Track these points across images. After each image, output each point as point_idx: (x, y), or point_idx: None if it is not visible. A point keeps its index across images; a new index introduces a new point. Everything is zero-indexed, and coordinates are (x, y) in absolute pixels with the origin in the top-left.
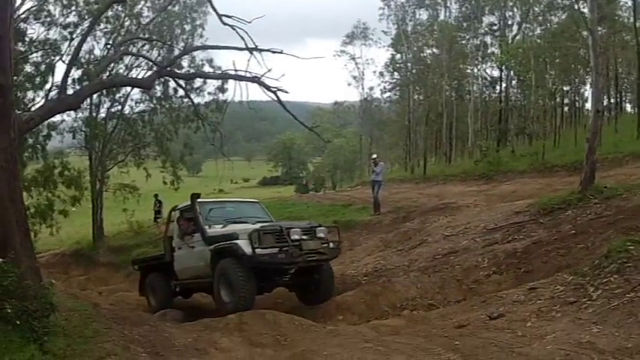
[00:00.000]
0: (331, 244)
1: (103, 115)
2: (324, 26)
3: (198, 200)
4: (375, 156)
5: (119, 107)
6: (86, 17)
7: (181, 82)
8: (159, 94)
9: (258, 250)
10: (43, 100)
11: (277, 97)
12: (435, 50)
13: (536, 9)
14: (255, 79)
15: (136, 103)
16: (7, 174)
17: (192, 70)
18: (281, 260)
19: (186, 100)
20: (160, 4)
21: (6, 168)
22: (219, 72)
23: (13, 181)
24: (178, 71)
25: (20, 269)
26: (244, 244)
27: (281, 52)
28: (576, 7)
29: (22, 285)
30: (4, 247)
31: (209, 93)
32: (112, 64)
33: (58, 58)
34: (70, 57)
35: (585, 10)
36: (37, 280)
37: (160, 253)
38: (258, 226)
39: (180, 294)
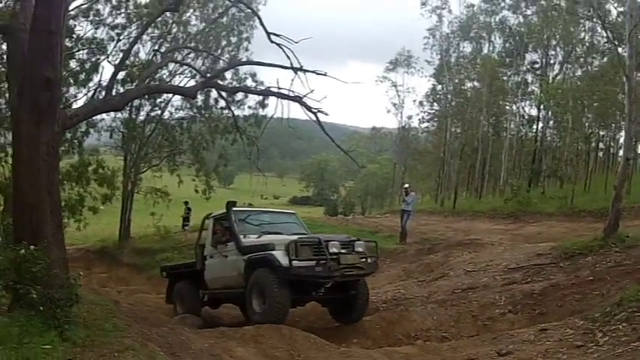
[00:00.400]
0: (369, 259)
1: (142, 117)
2: (366, 49)
3: (234, 208)
4: (407, 185)
5: (159, 112)
6: (134, 20)
7: (224, 94)
8: (199, 103)
9: (295, 262)
10: (85, 98)
11: (317, 118)
12: (475, 84)
13: (578, 49)
14: (297, 99)
15: (175, 109)
16: (48, 166)
17: (235, 82)
18: (318, 273)
19: (225, 111)
20: (209, 13)
21: (47, 160)
22: (262, 87)
23: (52, 173)
24: (222, 83)
25: (50, 259)
26: (281, 255)
27: (325, 75)
28: (616, 51)
29: (49, 274)
30: (37, 236)
31: (249, 107)
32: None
33: (103, 57)
34: (119, 59)
35: (625, 55)
36: (64, 271)
37: (191, 260)
38: (295, 237)
39: (208, 304)
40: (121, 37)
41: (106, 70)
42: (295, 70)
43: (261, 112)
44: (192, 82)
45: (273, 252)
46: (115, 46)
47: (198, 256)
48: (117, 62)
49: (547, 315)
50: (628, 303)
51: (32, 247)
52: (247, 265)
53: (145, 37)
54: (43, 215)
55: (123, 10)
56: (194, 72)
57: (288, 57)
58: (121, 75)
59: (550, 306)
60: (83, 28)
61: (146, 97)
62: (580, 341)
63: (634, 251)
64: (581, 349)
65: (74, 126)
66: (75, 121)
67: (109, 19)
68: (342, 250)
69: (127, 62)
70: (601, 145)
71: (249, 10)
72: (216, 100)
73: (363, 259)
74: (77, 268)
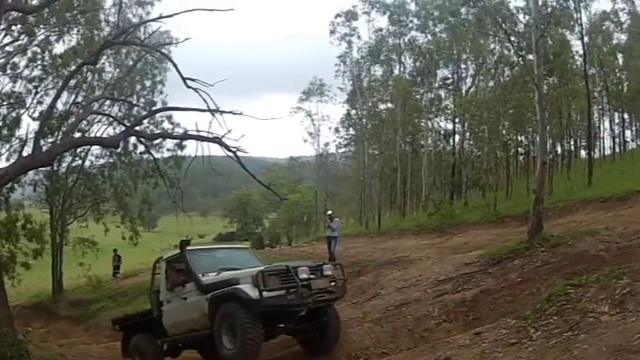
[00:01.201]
0: (338, 282)
1: (63, 169)
2: (280, 81)
3: (188, 248)
4: (330, 212)
5: (80, 162)
6: (50, 71)
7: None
8: (119, 150)
9: (265, 293)
10: (7, 153)
11: (237, 157)
12: (389, 105)
13: (489, 61)
14: (216, 140)
15: (96, 157)
16: None
17: (152, 126)
18: (291, 302)
19: (145, 155)
20: (122, 59)
21: None
22: (179, 129)
23: None
24: (142, 131)
25: None
26: (249, 288)
27: (241, 114)
28: (524, 61)
29: None
30: None
31: (168, 149)
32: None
33: (23, 111)
34: (39, 112)
35: (533, 64)
36: (11, 328)
37: (145, 309)
38: (256, 268)
39: (169, 353)
40: (39, 90)
41: (27, 124)
42: (212, 112)
43: (179, 153)
44: (110, 130)
45: (239, 286)
46: (32, 99)
47: (153, 302)
48: (37, 115)
49: (481, 319)
50: (557, 298)
51: None
52: (211, 303)
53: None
54: None
55: (39, 62)
56: (111, 119)
57: (204, 100)
58: (34, 126)
59: (483, 311)
60: (1, 83)
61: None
62: (514, 339)
63: (560, 249)
64: (516, 345)
65: (5, 185)
66: (6, 180)
67: (26, 72)
68: (312, 276)
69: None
70: (520, 150)
71: (155, 51)
72: (135, 145)
73: (333, 283)
74: (16, 325)
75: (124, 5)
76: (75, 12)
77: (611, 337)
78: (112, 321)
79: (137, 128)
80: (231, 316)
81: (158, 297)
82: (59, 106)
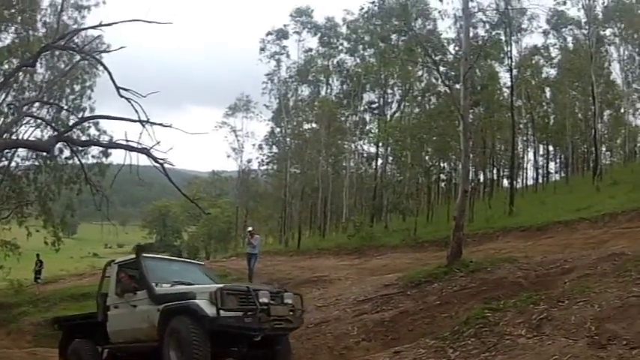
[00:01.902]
0: (297, 312)
1: None
2: (206, 94)
3: (144, 255)
4: (250, 229)
5: (6, 163)
6: None
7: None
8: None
9: (222, 312)
10: None
11: (164, 169)
12: (314, 125)
13: (416, 88)
14: (145, 151)
15: (22, 159)
16: None
17: (79, 132)
18: (248, 325)
19: (70, 161)
20: (55, 62)
21: None
22: (106, 136)
23: None
24: (69, 134)
25: None
26: (205, 305)
27: (170, 127)
28: (451, 92)
29: None
30: None
31: (93, 156)
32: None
33: None
34: None
35: (460, 95)
36: None
37: (90, 312)
38: (215, 285)
39: None
40: None
41: None
42: (142, 123)
43: (104, 160)
44: (37, 133)
45: (196, 301)
46: None
47: (99, 306)
48: None
49: (399, 339)
50: (475, 320)
51: None
52: (163, 315)
53: None
54: None
55: None
56: (39, 122)
57: (136, 111)
58: None
59: (402, 331)
60: None
61: None
62: (433, 358)
63: (478, 274)
64: None
65: None
66: None
67: None
68: (272, 301)
69: None
70: (443, 176)
71: (91, 58)
72: (61, 150)
73: (292, 312)
74: None
75: (60, 7)
76: (13, 10)
77: (527, 359)
78: (52, 319)
79: (72, 137)
80: (182, 331)
81: (105, 301)
82: None
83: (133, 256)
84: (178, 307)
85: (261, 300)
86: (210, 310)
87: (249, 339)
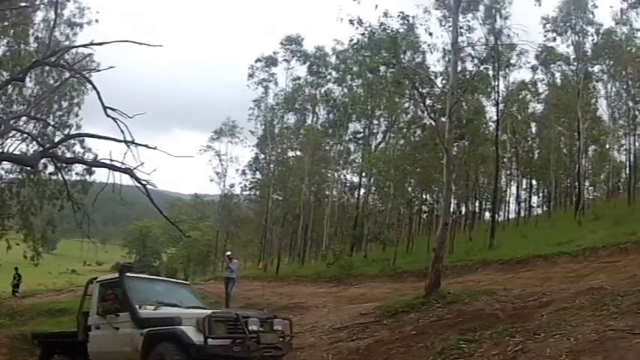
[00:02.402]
0: (286, 339)
1: None
2: (191, 116)
3: (127, 274)
4: (229, 253)
5: None
6: None
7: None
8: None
9: (210, 340)
10: None
11: (146, 190)
12: (298, 153)
13: (402, 120)
14: (128, 171)
15: (5, 172)
16: None
17: (64, 148)
18: (236, 354)
19: (53, 176)
20: (44, 77)
21: None
22: (90, 153)
23: None
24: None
25: None
26: (192, 332)
27: (155, 149)
28: (436, 125)
29: None
30: None
31: (77, 173)
32: None
33: None
34: None
35: (445, 128)
36: None
37: (70, 330)
38: (203, 311)
39: None
40: None
41: None
42: (127, 143)
43: (88, 178)
44: (22, 147)
45: (182, 327)
46: None
47: (80, 325)
48: None
49: None
50: (450, 351)
51: None
52: (147, 340)
53: None
54: None
55: None
56: (25, 136)
57: (122, 131)
58: None
59: None
60: None
61: None
62: None
63: (455, 306)
64: None
65: None
66: None
67: None
68: (261, 328)
69: None
70: (424, 207)
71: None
72: (45, 165)
73: (281, 339)
74: None
75: (52, 23)
76: (6, 23)
77: None
78: (32, 334)
79: (57, 153)
80: (166, 358)
81: (86, 320)
82: None
83: (116, 274)
84: (164, 333)
85: (250, 327)
86: (196, 337)
87: None
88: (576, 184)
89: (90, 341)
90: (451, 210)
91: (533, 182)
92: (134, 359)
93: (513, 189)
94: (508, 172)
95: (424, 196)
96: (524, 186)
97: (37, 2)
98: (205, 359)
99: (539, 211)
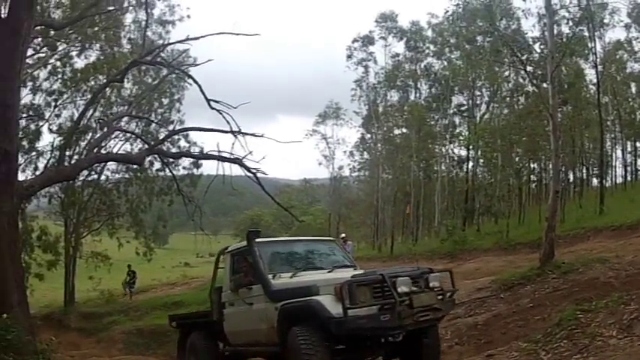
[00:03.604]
0: (447, 296)
1: (79, 183)
2: (295, 103)
3: (257, 240)
4: (343, 235)
5: (96, 176)
6: (70, 85)
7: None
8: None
9: (351, 311)
10: (24, 164)
11: (257, 178)
12: (404, 130)
13: (504, 89)
14: (237, 161)
15: (112, 172)
16: (9, 236)
17: (169, 144)
18: (385, 324)
19: (161, 173)
20: (141, 76)
21: (8, 231)
22: (195, 147)
23: (14, 243)
24: (164, 149)
25: (21, 326)
26: (329, 302)
27: (262, 136)
28: (539, 91)
29: (22, 341)
30: (3, 304)
31: (184, 167)
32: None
33: (42, 123)
34: (69, 128)
35: (549, 94)
36: (33, 337)
37: (207, 309)
38: (345, 274)
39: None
40: (58, 103)
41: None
42: (234, 133)
43: (195, 171)
44: (127, 146)
45: (319, 297)
46: (52, 112)
47: (213, 303)
48: (55, 129)
49: (492, 343)
50: (567, 322)
51: (4, 315)
52: (281, 315)
53: (79, 101)
54: (7, 283)
55: (59, 76)
56: (128, 135)
57: (227, 122)
58: (49, 138)
59: (494, 334)
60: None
61: None
62: None
63: (570, 276)
64: None
65: (31, 196)
66: (32, 192)
67: (46, 85)
68: (414, 288)
69: (64, 127)
70: (533, 177)
71: (180, 72)
72: (151, 162)
73: (440, 297)
74: None
75: (144, 24)
76: (97, 28)
77: None
78: (169, 317)
79: (163, 149)
80: (304, 344)
81: (220, 297)
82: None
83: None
84: (298, 307)
85: (400, 289)
86: (335, 309)
87: (386, 339)
88: None
89: (225, 320)
90: (560, 178)
91: (638, 144)
92: (271, 338)
93: (619, 152)
94: (612, 135)
95: (532, 166)
96: (629, 149)
97: (126, 4)
98: (349, 334)
99: None
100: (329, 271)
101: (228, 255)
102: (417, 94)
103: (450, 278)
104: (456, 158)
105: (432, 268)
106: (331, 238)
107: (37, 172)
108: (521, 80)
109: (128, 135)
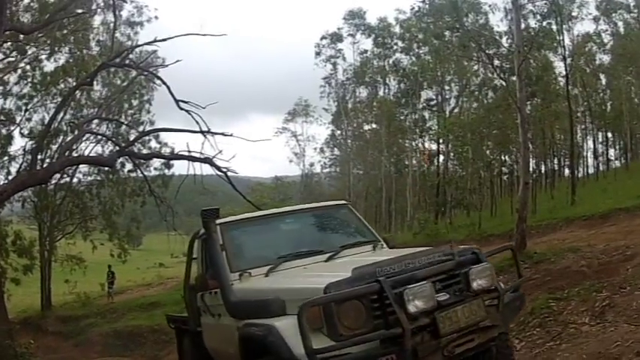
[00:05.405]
0: (505, 298)
1: (51, 186)
2: (266, 102)
3: (221, 222)
4: None
5: (68, 179)
6: (40, 89)
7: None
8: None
9: (327, 352)
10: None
11: (227, 177)
12: (374, 126)
13: (472, 83)
14: (207, 161)
15: (84, 175)
16: None
17: (139, 145)
18: None
19: (132, 174)
20: (111, 78)
21: None
22: (166, 148)
23: None
24: (135, 151)
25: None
26: (294, 332)
27: (231, 135)
28: (507, 85)
29: (1, 344)
30: None
31: (155, 168)
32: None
33: (14, 127)
34: (40, 132)
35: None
36: (12, 341)
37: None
38: (345, 267)
39: None
40: (29, 107)
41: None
42: (204, 133)
43: (166, 172)
44: (98, 148)
45: (280, 322)
46: (22, 116)
47: (190, 308)
48: (27, 133)
49: None
50: (540, 311)
51: None
52: (242, 344)
53: (50, 104)
54: None
55: (29, 80)
56: (99, 138)
57: (197, 122)
58: (21, 143)
59: None
60: None
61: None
62: None
63: (542, 265)
64: None
65: (4, 201)
66: (4, 197)
67: (16, 89)
68: (442, 297)
69: (34, 131)
70: (504, 169)
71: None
72: (123, 164)
73: (494, 304)
74: None
75: (112, 26)
76: (65, 31)
77: (591, 346)
78: (166, 316)
79: (134, 151)
80: None
81: (195, 300)
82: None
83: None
84: (254, 336)
85: (412, 306)
86: (297, 346)
87: None
88: None
89: (203, 330)
90: (530, 169)
91: (609, 135)
92: None
93: (590, 143)
94: (583, 126)
95: (503, 158)
96: (600, 139)
97: (94, 7)
98: None
99: (617, 163)
100: (326, 260)
101: (200, 241)
102: (386, 90)
103: (515, 258)
104: (426, 152)
105: (478, 248)
106: (342, 202)
107: (10, 177)
108: (489, 74)
109: (99, 137)
